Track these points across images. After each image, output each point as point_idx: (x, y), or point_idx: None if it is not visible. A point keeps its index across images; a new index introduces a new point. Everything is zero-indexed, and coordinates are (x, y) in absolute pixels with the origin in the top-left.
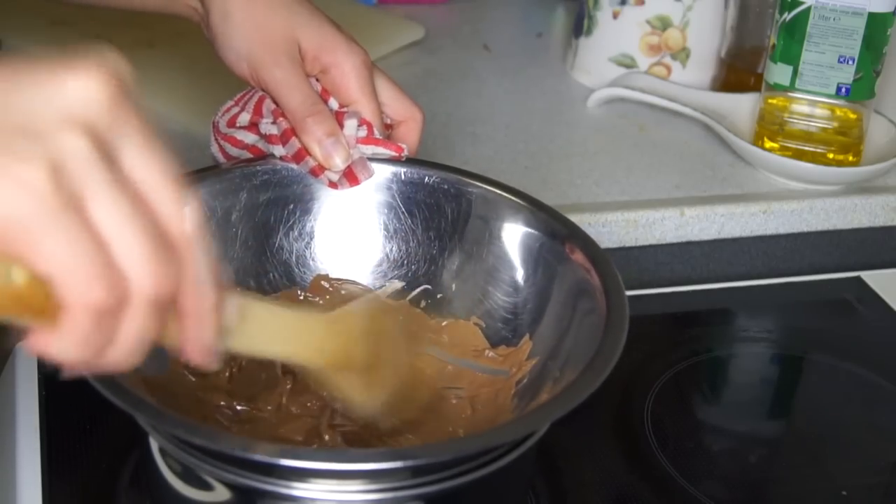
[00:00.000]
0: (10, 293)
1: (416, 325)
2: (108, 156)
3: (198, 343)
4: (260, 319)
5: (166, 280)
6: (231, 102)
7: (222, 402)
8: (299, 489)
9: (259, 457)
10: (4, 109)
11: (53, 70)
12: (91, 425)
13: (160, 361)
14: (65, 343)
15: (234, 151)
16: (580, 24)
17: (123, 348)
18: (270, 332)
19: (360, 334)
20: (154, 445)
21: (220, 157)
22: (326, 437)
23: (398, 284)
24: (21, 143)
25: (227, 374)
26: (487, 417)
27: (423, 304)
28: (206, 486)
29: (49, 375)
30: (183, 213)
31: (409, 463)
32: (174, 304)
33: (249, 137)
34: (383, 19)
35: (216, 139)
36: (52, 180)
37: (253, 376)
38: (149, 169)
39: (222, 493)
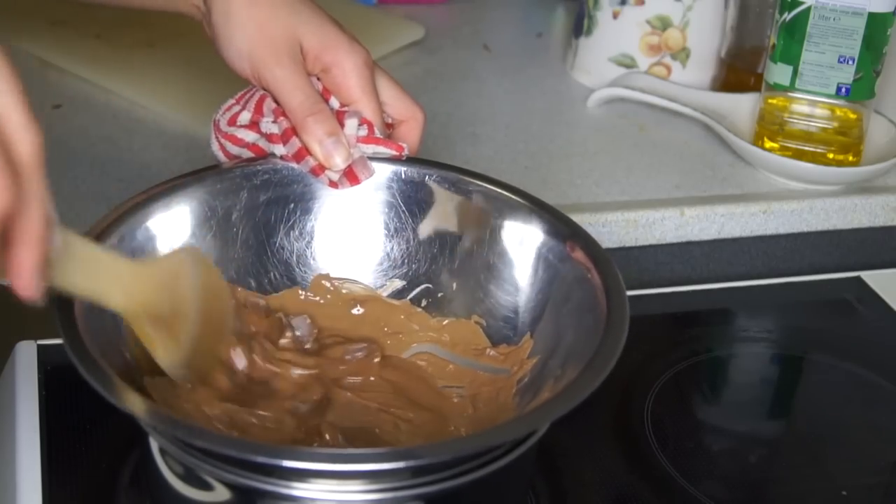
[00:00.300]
0: None
1: (214, 279)
2: None
3: (24, 270)
4: (79, 255)
5: (11, 191)
6: (232, 101)
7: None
8: (299, 489)
9: (260, 458)
10: None
11: None
12: (91, 425)
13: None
14: None
15: (234, 150)
16: (580, 24)
17: None
18: (87, 269)
19: (164, 284)
20: (154, 445)
21: (221, 156)
22: (327, 436)
23: (399, 283)
24: None
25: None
26: (489, 416)
27: (423, 303)
28: (207, 487)
29: (49, 375)
30: (29, 137)
31: (410, 463)
32: (9, 231)
33: (250, 136)
34: (383, 19)
35: (217, 137)
36: None
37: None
38: None
39: (222, 493)
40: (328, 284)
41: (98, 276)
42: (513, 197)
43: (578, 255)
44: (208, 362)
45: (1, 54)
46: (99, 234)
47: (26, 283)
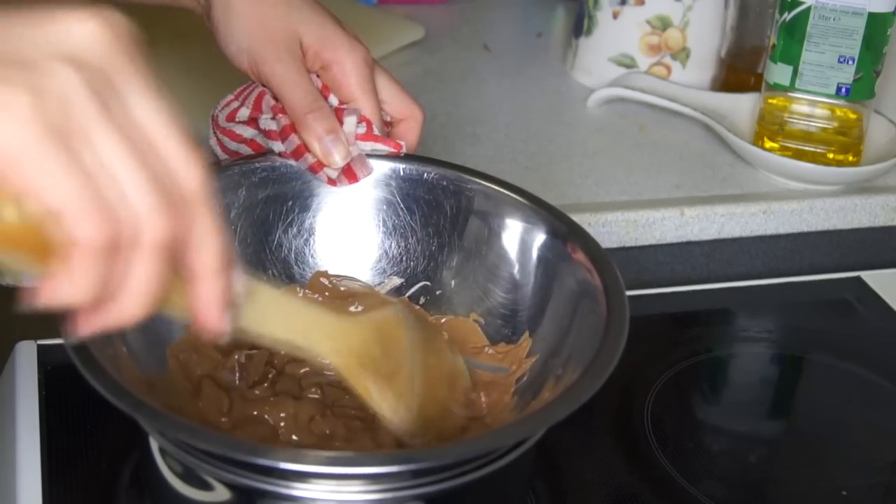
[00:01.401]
0: (17, 233)
1: (436, 339)
2: (105, 95)
3: (209, 306)
4: (269, 301)
5: (174, 224)
6: (231, 97)
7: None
8: (299, 489)
9: (260, 460)
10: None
11: (54, 13)
12: (91, 425)
13: (160, 362)
14: (73, 285)
15: (232, 145)
16: (580, 24)
17: (132, 295)
18: (281, 316)
19: (376, 338)
20: (154, 446)
21: (219, 151)
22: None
23: (397, 281)
24: (11, 72)
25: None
26: (487, 414)
27: (422, 300)
28: (207, 487)
29: (49, 375)
30: (191, 165)
31: (409, 467)
32: (184, 265)
33: (248, 132)
34: (383, 19)
35: (215, 133)
36: (41, 108)
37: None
38: (153, 116)
39: (222, 493)
40: (326, 282)
41: (301, 324)
42: (512, 195)
43: (578, 254)
44: (443, 420)
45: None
46: None
47: (215, 320)
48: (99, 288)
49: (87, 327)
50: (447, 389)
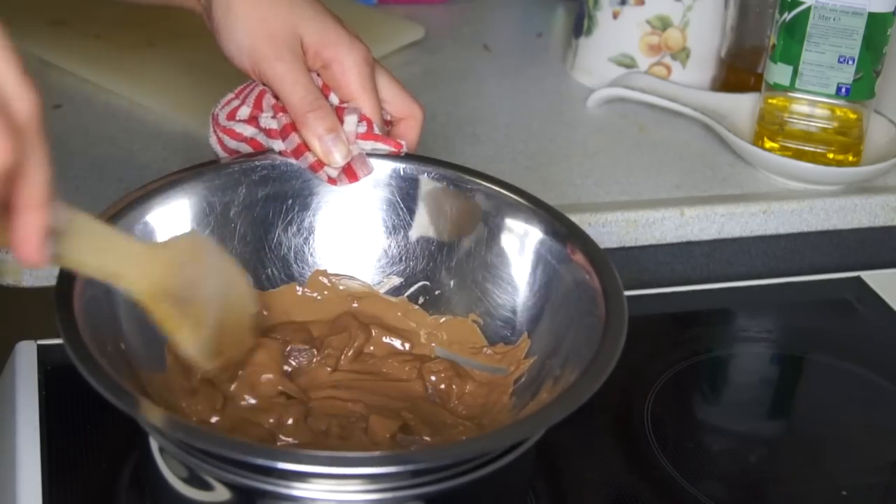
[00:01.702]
0: None
1: (226, 262)
2: None
3: (29, 237)
4: (87, 232)
5: (7, 153)
6: (231, 95)
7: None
8: (299, 489)
9: (260, 460)
10: None
11: None
12: (91, 425)
13: (158, 360)
14: None
15: (232, 144)
16: (580, 24)
17: None
18: (96, 246)
19: (179, 265)
20: (154, 446)
21: (219, 149)
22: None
23: (396, 280)
24: None
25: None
26: (485, 414)
27: (421, 300)
28: (207, 487)
29: (49, 375)
30: (25, 93)
31: (408, 467)
32: (8, 194)
33: (248, 130)
34: (383, 19)
35: (215, 131)
36: None
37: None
38: None
39: (222, 493)
40: (325, 281)
41: (110, 254)
42: (512, 196)
43: (577, 255)
44: (235, 346)
45: None
46: None
47: (32, 249)
48: None
49: None
50: (238, 314)
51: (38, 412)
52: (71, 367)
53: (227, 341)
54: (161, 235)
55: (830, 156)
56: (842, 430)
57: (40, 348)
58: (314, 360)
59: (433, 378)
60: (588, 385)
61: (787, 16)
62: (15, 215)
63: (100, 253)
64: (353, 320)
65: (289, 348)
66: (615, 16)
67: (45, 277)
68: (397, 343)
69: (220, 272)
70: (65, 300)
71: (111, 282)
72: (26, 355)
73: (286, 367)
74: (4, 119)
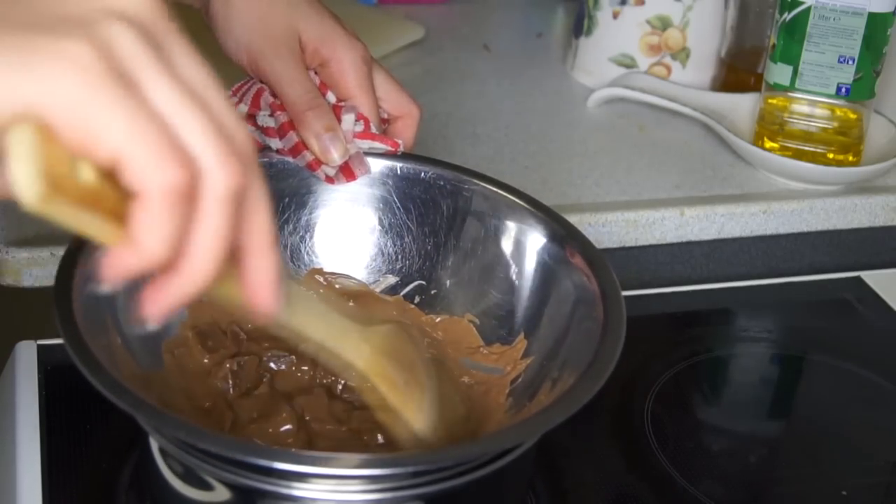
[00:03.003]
0: (79, 190)
1: (442, 355)
2: (159, 52)
3: (264, 282)
4: (302, 299)
5: (237, 171)
6: (229, 93)
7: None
8: (299, 489)
9: (261, 461)
10: (45, 2)
11: None
12: (91, 425)
13: (156, 359)
14: (142, 243)
15: None
16: (580, 24)
17: (202, 255)
18: (313, 311)
19: (395, 346)
20: (154, 445)
21: None
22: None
23: (392, 280)
24: (64, 26)
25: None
26: (481, 414)
27: (417, 299)
28: (207, 486)
29: (49, 375)
30: (241, 125)
31: (407, 469)
32: (238, 237)
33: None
34: (383, 19)
35: None
36: (100, 55)
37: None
38: (201, 75)
39: (222, 493)
40: (321, 279)
41: (329, 322)
42: (510, 197)
43: (575, 257)
44: (449, 439)
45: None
46: None
47: (269, 295)
48: (171, 244)
49: (154, 306)
50: (456, 413)
51: (38, 412)
52: (71, 367)
53: (444, 431)
54: None
55: (830, 156)
56: (842, 430)
57: (40, 348)
58: (293, 367)
59: None
60: (586, 389)
61: (787, 16)
62: (248, 258)
63: (321, 321)
64: None
65: (269, 354)
66: (615, 16)
67: (45, 277)
68: None
69: (428, 363)
70: (64, 300)
71: (335, 351)
72: (26, 355)
73: (266, 374)
74: (231, 145)
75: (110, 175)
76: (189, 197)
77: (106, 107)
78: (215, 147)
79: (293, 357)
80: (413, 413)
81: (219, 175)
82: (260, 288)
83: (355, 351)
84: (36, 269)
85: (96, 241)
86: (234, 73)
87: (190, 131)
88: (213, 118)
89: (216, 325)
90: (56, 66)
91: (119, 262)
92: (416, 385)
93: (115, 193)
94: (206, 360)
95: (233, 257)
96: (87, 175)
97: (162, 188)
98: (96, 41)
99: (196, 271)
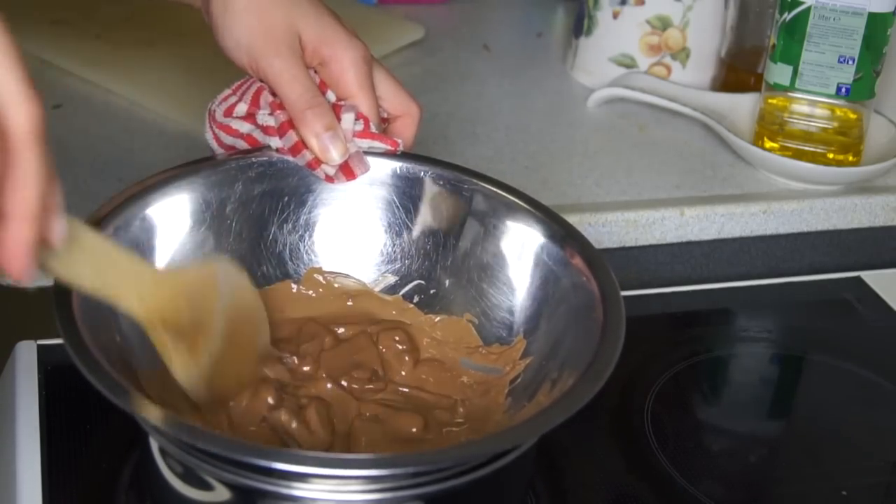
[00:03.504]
0: None
1: (248, 297)
2: None
3: (14, 249)
4: (88, 248)
5: None
6: (228, 91)
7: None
8: (299, 489)
9: (261, 461)
10: None
11: None
12: (91, 425)
13: (156, 359)
14: None
15: (228, 140)
16: (580, 24)
17: None
18: (96, 264)
19: (187, 294)
20: (154, 445)
21: (215, 145)
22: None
23: (391, 279)
24: None
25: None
26: (479, 413)
27: (416, 299)
28: (207, 486)
29: (49, 375)
30: (23, 102)
31: (406, 470)
32: None
33: (245, 127)
34: (383, 19)
35: (211, 127)
36: None
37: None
38: None
39: (222, 493)
40: (320, 278)
41: (112, 274)
42: (509, 197)
43: (574, 257)
44: (230, 386)
45: (2, 26)
46: (94, 226)
47: (17, 264)
48: None
49: None
50: (248, 349)
51: (38, 412)
52: (71, 367)
53: (230, 374)
54: (158, 231)
55: (830, 156)
56: (842, 430)
57: (40, 348)
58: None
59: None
60: (586, 389)
61: (787, 16)
62: (3, 223)
63: (99, 272)
64: (319, 326)
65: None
66: (615, 16)
67: (45, 277)
68: None
69: (238, 305)
70: (64, 300)
71: (108, 301)
72: (26, 355)
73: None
74: None
75: None
76: None
77: None
78: None
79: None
80: (178, 368)
81: None
82: (9, 255)
83: (131, 305)
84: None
85: None
86: (231, 72)
87: None
88: None
89: None
90: None
91: None
92: (192, 341)
93: None
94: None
95: None
96: None
97: None
98: None
99: None
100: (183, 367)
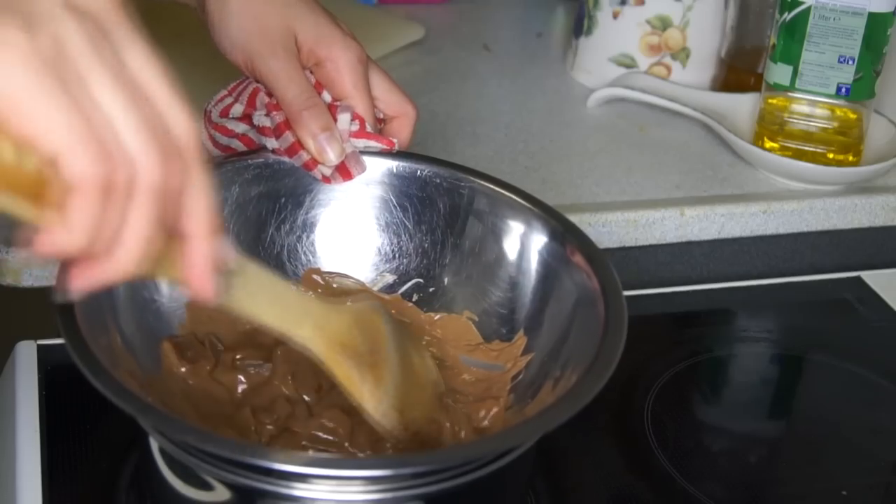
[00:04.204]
0: (15, 175)
1: (415, 328)
2: (101, 42)
3: (201, 267)
4: (258, 279)
5: (167, 171)
6: (224, 92)
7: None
8: (299, 489)
9: (261, 461)
10: None
11: None
12: (91, 425)
13: (155, 361)
14: (70, 231)
15: (224, 140)
16: (580, 24)
17: (129, 244)
18: (268, 294)
19: (359, 326)
20: (154, 445)
21: (210, 146)
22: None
23: (390, 278)
24: (12, 16)
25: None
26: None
27: (415, 297)
28: (207, 487)
29: (49, 375)
30: (184, 119)
31: (406, 470)
32: (176, 225)
33: (240, 127)
34: (383, 19)
35: (206, 128)
36: (35, 44)
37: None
38: (148, 68)
39: (222, 493)
40: (319, 279)
41: (284, 303)
42: (507, 194)
43: (574, 254)
44: (418, 417)
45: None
46: None
47: (203, 279)
48: (94, 234)
49: (81, 282)
50: (426, 391)
51: (38, 412)
52: (71, 367)
53: (415, 404)
54: None
55: (830, 156)
56: (842, 430)
57: (40, 348)
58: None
59: None
60: (588, 388)
61: (787, 16)
62: (185, 244)
63: (272, 301)
64: None
65: (240, 357)
66: (615, 16)
67: (45, 277)
68: None
69: (403, 343)
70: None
71: (287, 335)
72: (26, 355)
73: (242, 386)
74: (166, 139)
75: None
76: (114, 189)
77: (35, 99)
78: (145, 143)
79: (270, 365)
80: (368, 398)
81: (145, 169)
82: (196, 271)
83: (309, 335)
84: (36, 269)
85: (29, 224)
86: (231, 72)
87: (123, 127)
88: (152, 113)
89: (193, 336)
90: None
91: (50, 242)
92: (374, 369)
93: (38, 174)
94: (183, 370)
95: (176, 241)
96: (29, 162)
97: (83, 182)
98: (37, 32)
99: (121, 255)
100: (374, 400)
